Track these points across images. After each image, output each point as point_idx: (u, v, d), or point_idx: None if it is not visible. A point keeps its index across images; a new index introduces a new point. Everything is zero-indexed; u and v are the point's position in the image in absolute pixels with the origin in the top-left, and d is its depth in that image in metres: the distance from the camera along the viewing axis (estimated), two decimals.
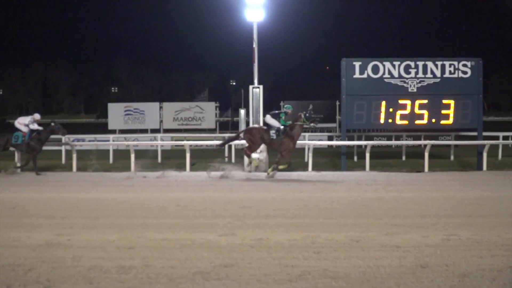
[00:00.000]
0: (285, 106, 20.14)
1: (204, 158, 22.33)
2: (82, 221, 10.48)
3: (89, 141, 37.65)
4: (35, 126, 21.22)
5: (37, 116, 21.60)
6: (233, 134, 21.05)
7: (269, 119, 19.57)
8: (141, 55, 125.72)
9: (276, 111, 20.02)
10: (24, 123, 21.24)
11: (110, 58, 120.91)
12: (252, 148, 19.64)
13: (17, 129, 21.03)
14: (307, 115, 19.59)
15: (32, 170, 20.55)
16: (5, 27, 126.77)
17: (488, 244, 8.48)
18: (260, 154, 21.08)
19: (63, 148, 26.88)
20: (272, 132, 19.30)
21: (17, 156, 22.20)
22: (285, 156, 19.37)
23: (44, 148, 29.12)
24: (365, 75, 21.78)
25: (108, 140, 33.70)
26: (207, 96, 56.63)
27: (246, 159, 20.82)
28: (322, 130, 43.00)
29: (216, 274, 7.03)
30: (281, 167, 19.41)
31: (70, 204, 12.58)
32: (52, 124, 21.69)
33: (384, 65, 21.77)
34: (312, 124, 19.65)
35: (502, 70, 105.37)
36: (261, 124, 21.01)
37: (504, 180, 18.10)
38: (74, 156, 22.11)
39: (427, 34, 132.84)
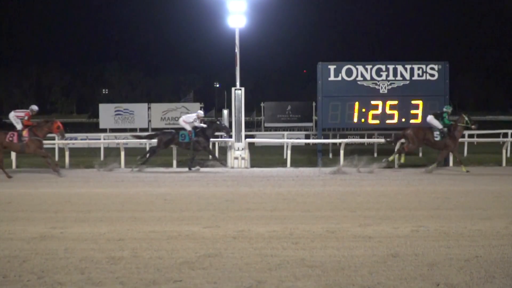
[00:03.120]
0: (446, 106, 20.12)
1: (188, 156, 22.19)
2: (74, 214, 10.42)
3: (81, 139, 37.52)
4: (199, 124, 20.70)
5: (200, 113, 21.17)
6: (400, 132, 20.61)
7: (432, 119, 19.64)
8: (131, 59, 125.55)
9: (438, 112, 19.95)
10: (189, 121, 20.64)
11: (101, 62, 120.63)
12: (412, 147, 19.69)
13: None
14: (470, 117, 19.76)
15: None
16: (0, 32, 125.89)
17: (455, 235, 8.51)
18: (242, 152, 21.08)
19: (56, 146, 26.72)
20: (436, 133, 19.38)
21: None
22: (444, 155, 20.03)
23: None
24: (339, 78, 21.81)
25: (99, 139, 33.64)
26: (193, 97, 56.55)
27: (229, 155, 20.85)
28: (299, 129, 43.12)
29: (200, 263, 7.01)
30: (402, 160, 19.93)
31: (63, 199, 12.50)
32: (217, 122, 21.24)
33: (357, 69, 21.82)
34: (473, 126, 19.87)
35: (467, 73, 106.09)
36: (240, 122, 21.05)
37: (470, 175, 18.19)
38: (67, 153, 21.96)
39: (397, 40, 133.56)
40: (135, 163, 20.65)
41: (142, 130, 41.69)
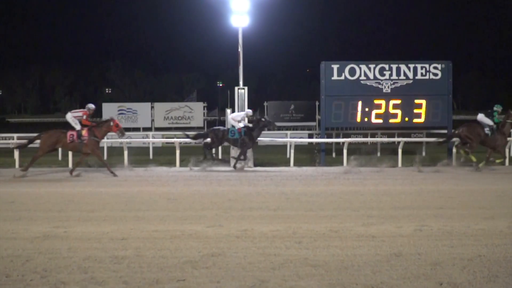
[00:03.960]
0: (496, 105, 20.47)
1: (192, 155, 22.19)
2: (77, 214, 10.42)
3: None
4: (245, 123, 20.67)
5: (249, 112, 21.07)
6: (455, 131, 20.68)
7: (483, 118, 20.19)
8: (134, 58, 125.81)
9: (489, 110, 20.38)
10: (237, 119, 20.59)
11: (105, 61, 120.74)
12: (472, 145, 19.99)
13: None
14: None
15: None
16: (4, 31, 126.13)
17: (459, 234, 8.50)
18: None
19: None
20: (486, 130, 19.93)
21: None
22: (501, 151, 20.30)
23: None
24: (342, 77, 21.80)
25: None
26: (196, 97, 56.65)
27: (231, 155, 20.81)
28: (302, 128, 43.08)
29: (204, 262, 7.01)
30: (498, 161, 20.35)
31: (66, 198, 12.50)
32: (263, 119, 20.98)
33: (360, 68, 21.81)
34: None
35: (470, 72, 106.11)
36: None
37: (473, 174, 18.17)
38: (70, 153, 21.93)
39: (400, 39, 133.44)
40: (190, 163, 20.50)
41: (145, 129, 41.68)
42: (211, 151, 20.57)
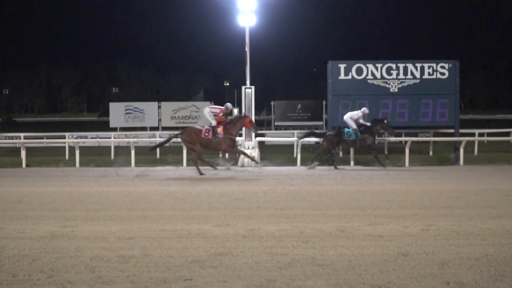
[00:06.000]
0: None
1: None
2: (84, 213, 10.44)
3: (92, 138, 37.59)
4: (364, 122, 20.45)
5: (366, 110, 20.68)
6: None
7: None
8: (141, 58, 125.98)
9: None
10: (354, 118, 20.38)
11: (112, 60, 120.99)
12: None
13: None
14: None
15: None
16: (11, 30, 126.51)
17: (466, 234, 8.49)
18: (252, 151, 21.05)
19: (66, 144, 26.82)
20: None
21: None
22: None
23: (48, 145, 28.92)
24: (349, 77, 21.78)
25: (110, 138, 33.71)
26: (203, 96, 56.54)
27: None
28: (309, 127, 43.04)
29: (211, 262, 7.02)
30: None
31: (73, 198, 12.52)
32: (385, 121, 20.71)
33: (367, 67, 21.79)
34: None
35: (478, 72, 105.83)
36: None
37: (480, 174, 18.11)
38: (77, 152, 21.97)
39: (407, 38, 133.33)
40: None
41: (152, 129, 41.67)
42: (332, 153, 20.61)
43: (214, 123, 18.84)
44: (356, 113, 20.51)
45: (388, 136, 21.82)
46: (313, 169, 19.55)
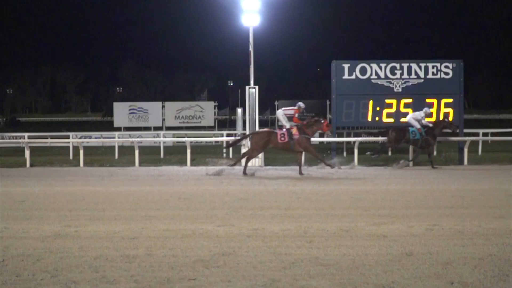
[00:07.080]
0: None
1: (203, 154, 22.26)
2: (88, 213, 10.45)
3: (96, 138, 37.65)
4: (426, 122, 20.46)
5: (428, 110, 20.70)
6: None
7: None
8: (145, 58, 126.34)
9: None
10: (418, 118, 20.37)
11: (116, 60, 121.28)
12: None
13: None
14: None
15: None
16: (15, 30, 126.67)
17: (470, 234, 8.48)
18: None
19: (70, 144, 26.87)
20: None
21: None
22: None
23: (52, 144, 28.99)
24: (353, 76, 21.78)
25: (114, 137, 33.75)
26: (207, 96, 56.69)
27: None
28: None
29: (215, 262, 7.01)
30: None
31: (77, 197, 12.52)
32: (446, 120, 20.86)
33: (371, 67, 21.79)
34: None
35: (482, 71, 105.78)
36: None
37: (484, 174, 18.10)
38: (81, 152, 22.00)
39: (411, 38, 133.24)
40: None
41: (156, 128, 41.71)
42: (384, 150, 20.87)
43: (288, 125, 18.71)
44: (419, 114, 20.55)
45: (453, 131, 21.54)
46: (404, 167, 20.00)
